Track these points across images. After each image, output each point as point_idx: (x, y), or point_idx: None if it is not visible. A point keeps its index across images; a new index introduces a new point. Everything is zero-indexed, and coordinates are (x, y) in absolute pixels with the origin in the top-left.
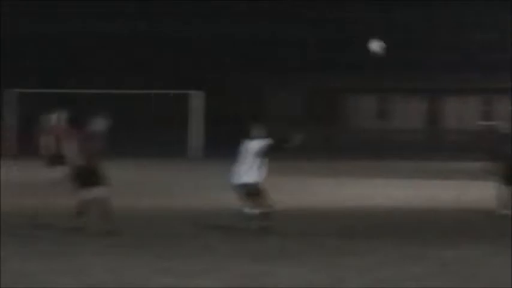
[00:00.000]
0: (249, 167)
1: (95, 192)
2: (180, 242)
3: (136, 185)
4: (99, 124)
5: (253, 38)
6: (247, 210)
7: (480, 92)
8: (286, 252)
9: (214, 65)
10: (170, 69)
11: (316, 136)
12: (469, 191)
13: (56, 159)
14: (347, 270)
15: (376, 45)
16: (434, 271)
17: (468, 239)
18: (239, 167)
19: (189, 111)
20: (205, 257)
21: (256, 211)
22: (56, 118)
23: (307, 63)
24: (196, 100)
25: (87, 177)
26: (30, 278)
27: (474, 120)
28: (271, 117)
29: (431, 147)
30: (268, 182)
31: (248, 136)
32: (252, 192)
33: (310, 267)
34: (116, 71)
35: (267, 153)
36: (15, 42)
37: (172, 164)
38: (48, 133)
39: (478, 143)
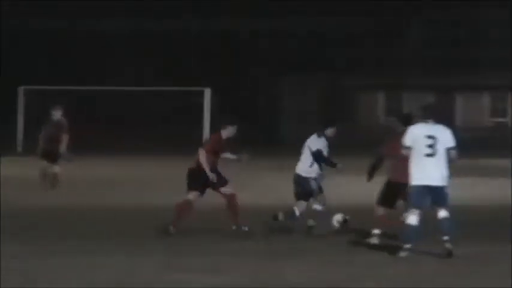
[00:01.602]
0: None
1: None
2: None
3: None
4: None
5: (267, 34)
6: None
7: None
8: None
9: (224, 62)
10: (180, 66)
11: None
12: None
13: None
14: None
15: None
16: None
17: None
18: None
19: (204, 107)
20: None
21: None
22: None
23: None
24: (206, 97)
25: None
26: None
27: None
28: (287, 113)
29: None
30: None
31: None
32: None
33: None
34: (125, 69)
35: None
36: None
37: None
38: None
39: None
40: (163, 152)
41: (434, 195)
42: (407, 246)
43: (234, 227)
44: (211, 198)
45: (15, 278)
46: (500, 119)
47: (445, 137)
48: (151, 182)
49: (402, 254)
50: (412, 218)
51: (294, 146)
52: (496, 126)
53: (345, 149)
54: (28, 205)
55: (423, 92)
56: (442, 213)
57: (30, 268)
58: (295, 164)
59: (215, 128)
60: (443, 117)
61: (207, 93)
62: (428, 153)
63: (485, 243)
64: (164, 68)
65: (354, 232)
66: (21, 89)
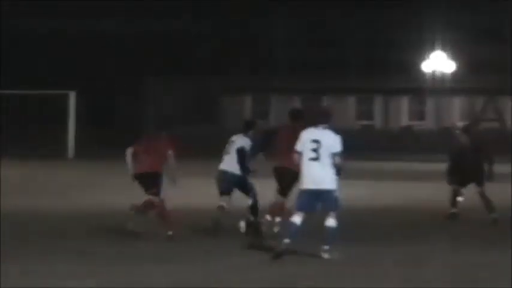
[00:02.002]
0: None
1: None
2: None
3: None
4: None
5: (135, 37)
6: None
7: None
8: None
9: (90, 64)
10: (46, 69)
11: (197, 135)
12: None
13: None
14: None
15: None
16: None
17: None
18: None
19: (67, 111)
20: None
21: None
22: None
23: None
24: (72, 100)
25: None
26: None
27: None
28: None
29: None
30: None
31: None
32: None
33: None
34: None
35: None
36: None
37: (51, 164)
38: None
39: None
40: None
41: (322, 199)
42: (287, 241)
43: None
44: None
45: None
46: (366, 122)
47: (330, 142)
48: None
49: (283, 246)
50: (297, 218)
51: None
52: (362, 129)
53: (209, 151)
54: None
55: (291, 95)
56: (329, 222)
57: None
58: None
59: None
60: (315, 120)
61: (72, 96)
62: (312, 157)
63: (372, 245)
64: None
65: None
66: None
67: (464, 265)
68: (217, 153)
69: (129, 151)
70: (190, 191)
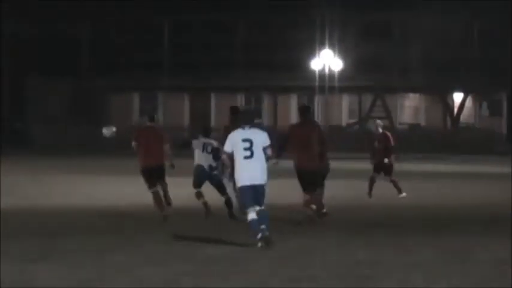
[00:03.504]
0: None
1: None
2: None
3: None
4: None
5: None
6: None
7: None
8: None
9: None
10: None
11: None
12: None
13: None
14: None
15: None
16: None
17: None
18: None
19: None
20: None
21: None
22: None
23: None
24: None
25: None
26: None
27: None
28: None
29: None
30: None
31: None
32: None
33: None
34: None
35: None
36: None
37: None
38: None
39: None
40: None
41: (255, 193)
42: (258, 237)
43: None
44: None
45: None
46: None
47: (261, 139)
48: None
49: (259, 244)
50: (252, 214)
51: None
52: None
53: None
54: None
55: (179, 92)
56: (252, 215)
57: None
58: (47, 167)
59: None
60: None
61: None
62: (246, 156)
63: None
64: None
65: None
66: None
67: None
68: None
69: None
70: None
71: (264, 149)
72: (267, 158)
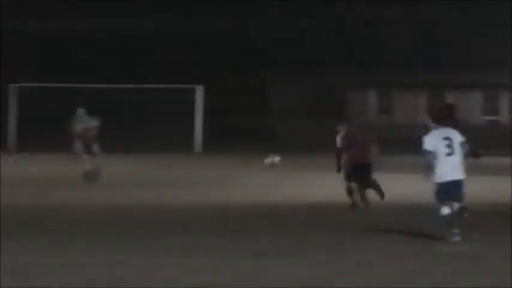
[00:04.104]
0: None
1: None
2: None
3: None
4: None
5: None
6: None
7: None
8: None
9: (214, 60)
10: (170, 65)
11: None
12: None
13: None
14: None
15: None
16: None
17: None
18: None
19: (195, 105)
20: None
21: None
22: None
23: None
24: (199, 94)
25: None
26: None
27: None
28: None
29: None
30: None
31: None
32: None
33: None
34: (116, 67)
35: None
36: (16, 39)
37: (181, 159)
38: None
39: None
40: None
41: (455, 188)
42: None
43: None
44: None
45: None
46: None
47: (457, 136)
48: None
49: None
50: (446, 209)
51: None
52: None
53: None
54: None
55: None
56: (445, 210)
57: None
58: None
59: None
60: None
61: (199, 91)
62: (448, 153)
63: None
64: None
65: None
66: (13, 87)
67: None
68: None
69: None
70: None
71: (461, 144)
72: (465, 153)
